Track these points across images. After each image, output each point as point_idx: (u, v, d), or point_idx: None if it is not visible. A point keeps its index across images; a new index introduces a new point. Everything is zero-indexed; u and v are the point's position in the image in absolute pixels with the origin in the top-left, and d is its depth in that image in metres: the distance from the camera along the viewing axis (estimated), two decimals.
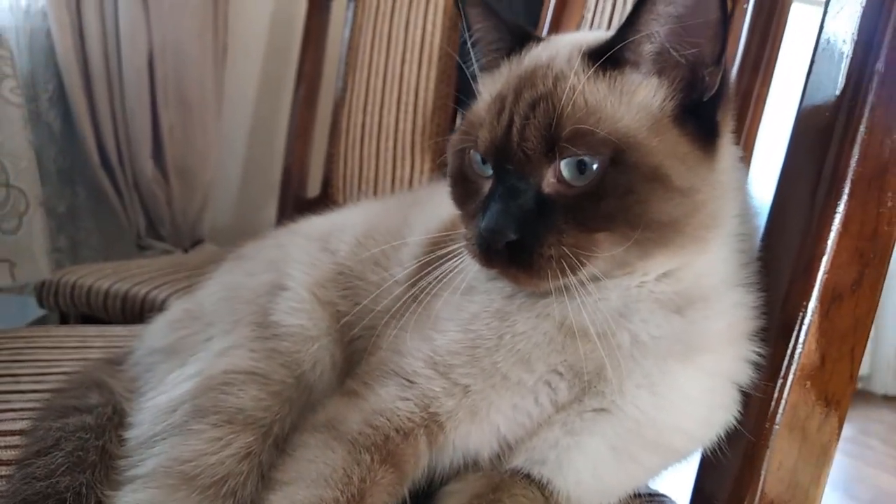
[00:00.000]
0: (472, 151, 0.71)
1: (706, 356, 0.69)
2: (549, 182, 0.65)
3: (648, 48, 0.65)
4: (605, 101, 0.65)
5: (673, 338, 0.68)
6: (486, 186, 0.69)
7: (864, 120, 0.66)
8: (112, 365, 0.90)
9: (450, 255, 0.72)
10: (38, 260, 1.82)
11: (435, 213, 0.86)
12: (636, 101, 0.65)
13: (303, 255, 0.91)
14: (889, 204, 0.68)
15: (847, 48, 0.68)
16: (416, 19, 2.30)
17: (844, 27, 0.69)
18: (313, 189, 2.48)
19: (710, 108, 0.67)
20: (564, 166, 0.64)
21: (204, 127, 2.53)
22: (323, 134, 2.49)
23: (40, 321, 2.17)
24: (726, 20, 0.62)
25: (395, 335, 0.75)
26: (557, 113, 0.64)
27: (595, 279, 0.66)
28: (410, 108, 2.30)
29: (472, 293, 0.75)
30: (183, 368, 0.79)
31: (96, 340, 1.23)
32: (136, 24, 2.36)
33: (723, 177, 0.70)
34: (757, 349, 0.70)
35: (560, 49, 0.71)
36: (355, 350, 0.82)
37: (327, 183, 2.42)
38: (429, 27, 2.28)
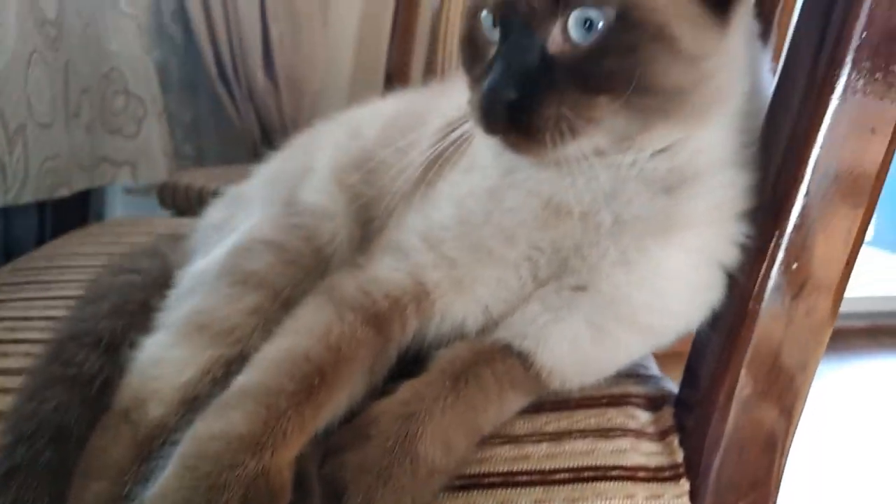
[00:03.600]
0: (482, 13, 0.70)
1: (686, 234, 0.68)
2: (554, 41, 0.64)
3: None
4: None
5: (654, 216, 0.68)
6: (492, 51, 0.69)
7: None
8: (176, 239, 1.02)
9: (457, 127, 0.74)
10: (157, 163, 2.02)
11: (461, 98, 0.88)
12: None
13: (333, 139, 0.97)
14: None
15: None
16: None
17: None
18: None
19: None
20: (572, 21, 0.63)
21: (311, 36, 2.63)
22: (424, 41, 2.51)
23: None
24: None
25: (401, 212, 0.81)
26: None
27: (596, 153, 0.66)
28: None
29: (471, 171, 0.78)
30: (224, 240, 0.88)
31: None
32: None
33: (734, 49, 0.67)
34: (745, 231, 0.68)
35: None
36: (373, 231, 0.88)
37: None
38: None
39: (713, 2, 0.64)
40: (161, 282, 0.85)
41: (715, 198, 0.68)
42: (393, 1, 2.53)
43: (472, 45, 0.73)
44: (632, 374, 0.79)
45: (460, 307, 0.74)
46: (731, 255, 0.69)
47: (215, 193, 1.96)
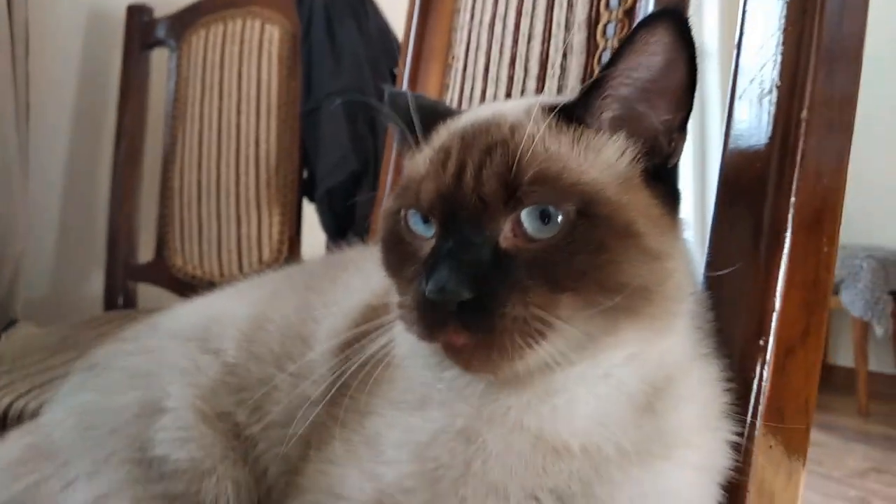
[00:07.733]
0: (409, 211, 0.61)
1: (687, 450, 0.62)
2: (506, 236, 0.56)
3: (615, 108, 0.60)
4: (568, 153, 0.59)
5: (652, 439, 0.60)
6: (427, 247, 0.59)
7: (797, 169, 0.65)
8: None
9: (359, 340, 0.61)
10: None
11: (354, 294, 0.74)
12: (603, 158, 0.60)
13: (179, 360, 0.73)
14: (825, 249, 0.67)
15: (772, 95, 0.67)
16: (250, 69, 2.15)
17: (766, 72, 0.68)
18: (146, 254, 2.23)
19: (673, 174, 0.63)
20: (526, 216, 0.56)
21: (9, 192, 2.19)
22: (151, 193, 2.25)
23: None
24: (694, 86, 0.58)
25: (322, 470, 0.62)
26: (517, 157, 0.57)
27: (559, 360, 0.56)
28: (252, 161, 2.14)
29: (426, 407, 0.62)
30: None
31: None
32: None
33: (683, 246, 0.65)
34: (734, 428, 0.64)
35: (509, 106, 0.65)
36: (265, 468, 0.68)
37: (162, 246, 2.20)
38: (264, 76, 2.15)
39: (667, 203, 0.61)
40: None
41: (696, 402, 0.63)
42: (108, 153, 2.25)
43: (399, 244, 0.62)
44: None
45: None
46: (728, 458, 0.64)
47: None
